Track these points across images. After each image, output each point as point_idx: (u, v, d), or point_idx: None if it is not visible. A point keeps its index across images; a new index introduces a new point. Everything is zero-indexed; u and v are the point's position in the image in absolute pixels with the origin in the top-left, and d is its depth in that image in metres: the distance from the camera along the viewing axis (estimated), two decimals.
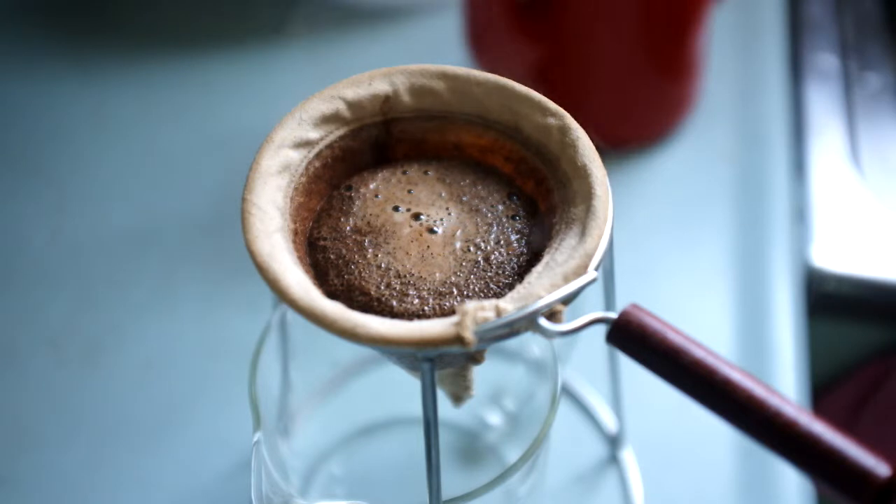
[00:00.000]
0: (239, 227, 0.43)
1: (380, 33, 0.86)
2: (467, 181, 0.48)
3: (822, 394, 0.79)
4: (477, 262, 0.45)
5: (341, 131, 0.47)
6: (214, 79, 0.83)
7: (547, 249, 0.44)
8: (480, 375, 0.49)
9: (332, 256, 0.45)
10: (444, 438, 0.58)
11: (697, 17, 0.73)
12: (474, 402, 0.53)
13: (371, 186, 0.47)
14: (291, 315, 0.53)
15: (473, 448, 0.61)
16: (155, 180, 0.77)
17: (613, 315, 0.41)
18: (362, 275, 0.44)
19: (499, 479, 0.47)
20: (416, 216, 0.46)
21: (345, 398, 0.62)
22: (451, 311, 0.43)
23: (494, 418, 0.62)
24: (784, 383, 0.64)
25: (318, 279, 0.45)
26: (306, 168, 0.46)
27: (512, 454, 0.60)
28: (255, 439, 0.47)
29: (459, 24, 0.81)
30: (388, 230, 0.46)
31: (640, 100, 0.76)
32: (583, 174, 0.44)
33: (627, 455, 0.62)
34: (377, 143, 0.48)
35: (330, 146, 0.47)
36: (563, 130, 0.46)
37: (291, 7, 0.88)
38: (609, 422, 0.63)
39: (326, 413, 0.62)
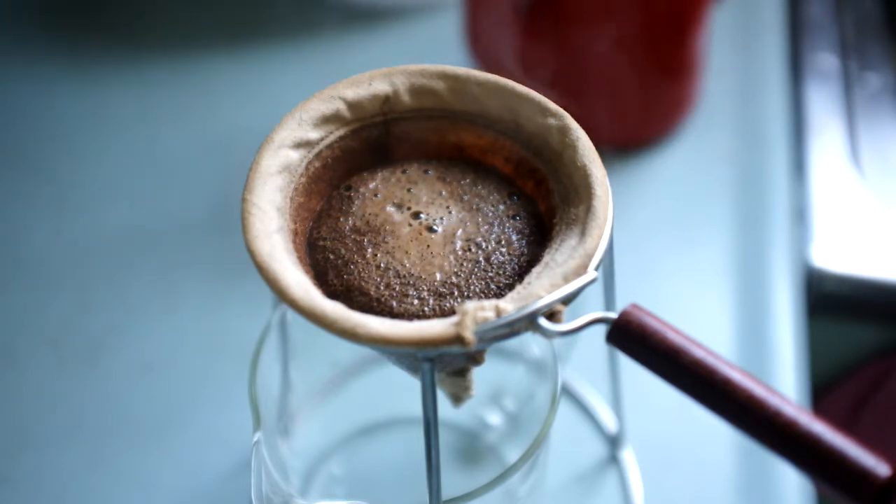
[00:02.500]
0: (239, 227, 0.43)
1: (380, 33, 0.86)
2: (468, 180, 0.47)
3: (822, 394, 0.79)
4: (478, 261, 0.45)
5: (341, 131, 0.47)
6: (214, 79, 0.83)
7: (547, 249, 0.44)
8: (480, 375, 0.49)
9: (331, 257, 0.45)
10: (444, 438, 0.58)
11: (697, 17, 0.73)
12: (474, 402, 0.53)
13: (370, 186, 0.47)
14: (291, 315, 0.53)
15: (473, 448, 0.61)
16: (155, 180, 0.77)
17: (613, 315, 0.41)
18: (362, 275, 0.44)
19: (499, 479, 0.47)
20: (416, 215, 0.46)
21: (345, 398, 0.62)
22: (451, 312, 0.43)
23: (494, 418, 0.62)
24: (784, 383, 0.64)
25: (317, 280, 0.45)
26: (306, 168, 0.46)
27: (512, 454, 0.60)
28: (255, 439, 0.47)
29: (459, 24, 0.81)
30: (387, 229, 0.45)
31: (640, 100, 0.76)
32: (583, 174, 0.44)
33: (627, 455, 0.61)
34: (377, 143, 0.48)
35: (330, 146, 0.47)
36: (564, 131, 0.46)
37: (292, 7, 0.87)
38: (609, 422, 0.63)
39: (326, 413, 0.62)
